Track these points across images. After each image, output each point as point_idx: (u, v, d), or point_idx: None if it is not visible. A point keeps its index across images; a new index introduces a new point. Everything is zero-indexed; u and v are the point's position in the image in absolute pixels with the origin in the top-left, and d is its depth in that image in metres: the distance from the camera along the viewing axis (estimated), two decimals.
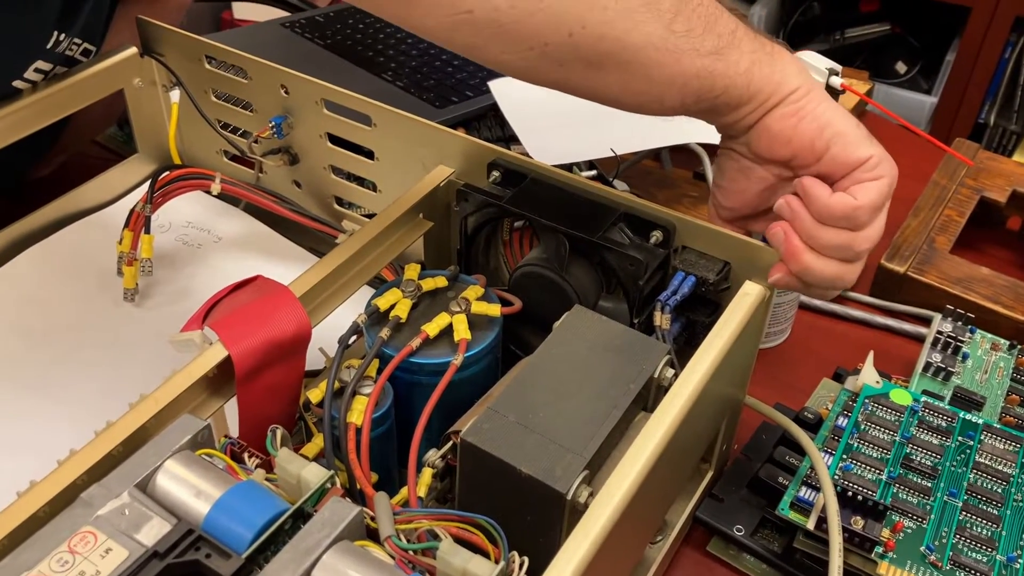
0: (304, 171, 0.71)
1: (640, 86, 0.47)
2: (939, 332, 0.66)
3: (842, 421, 0.56)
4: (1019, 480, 0.54)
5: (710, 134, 0.51)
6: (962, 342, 0.65)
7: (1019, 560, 0.50)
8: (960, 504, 0.53)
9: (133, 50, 0.71)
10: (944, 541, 0.51)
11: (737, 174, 0.52)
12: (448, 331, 0.49)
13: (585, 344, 0.47)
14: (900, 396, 0.58)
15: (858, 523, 0.49)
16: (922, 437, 0.57)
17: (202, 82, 0.72)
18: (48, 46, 0.65)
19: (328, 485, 0.39)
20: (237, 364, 0.44)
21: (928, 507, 0.52)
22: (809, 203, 0.48)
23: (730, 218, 0.54)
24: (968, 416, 0.58)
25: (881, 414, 0.57)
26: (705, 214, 0.55)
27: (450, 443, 0.44)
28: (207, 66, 0.70)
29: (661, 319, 0.50)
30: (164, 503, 0.37)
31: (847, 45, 1.85)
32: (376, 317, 0.50)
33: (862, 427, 0.56)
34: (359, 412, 0.45)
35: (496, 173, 0.56)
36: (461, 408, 0.47)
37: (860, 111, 0.95)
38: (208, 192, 0.65)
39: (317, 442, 0.46)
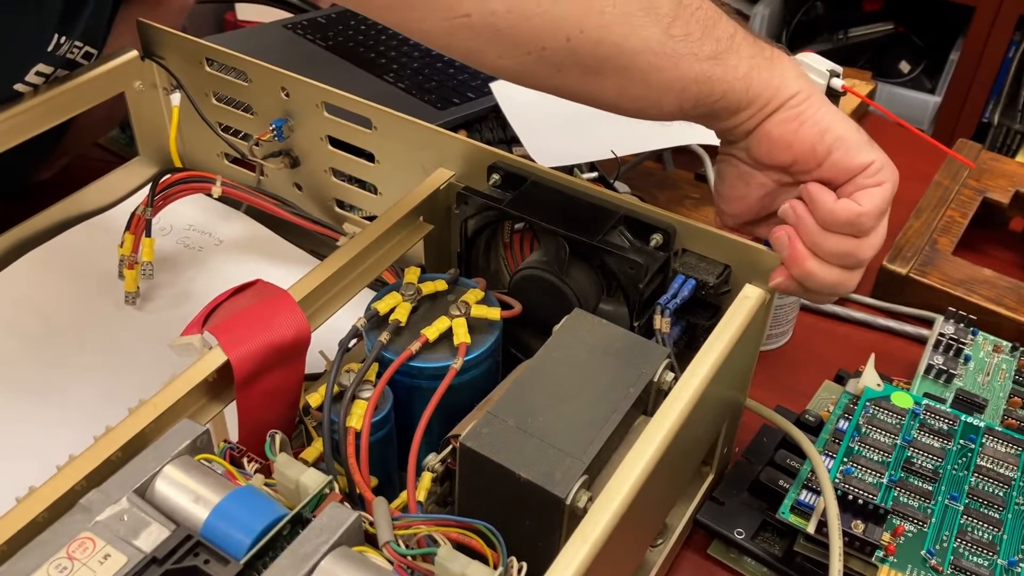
0: (305, 174, 0.71)
1: (638, 91, 0.47)
2: (941, 334, 0.66)
3: (843, 424, 0.56)
4: (1021, 483, 0.54)
5: (711, 135, 0.51)
6: (964, 344, 0.65)
7: (1020, 564, 0.50)
8: (961, 508, 0.53)
9: (134, 53, 0.71)
10: (945, 545, 0.51)
11: (737, 180, 0.51)
12: (448, 335, 0.49)
13: (585, 347, 0.47)
14: (901, 399, 0.58)
15: (859, 527, 0.49)
16: (923, 440, 0.56)
17: (203, 85, 0.72)
18: (49, 49, 0.65)
19: (327, 490, 0.39)
20: (236, 369, 0.44)
21: (929, 511, 0.52)
22: (814, 208, 0.48)
23: (734, 225, 0.54)
24: (970, 419, 0.58)
25: (882, 417, 0.57)
26: (707, 216, 0.55)
27: (449, 447, 0.44)
28: (208, 69, 0.70)
29: (661, 322, 0.50)
30: (163, 508, 0.37)
31: (850, 45, 1.84)
32: (376, 321, 0.50)
33: (863, 430, 0.56)
34: (358, 416, 0.45)
35: (496, 176, 0.56)
36: (461, 412, 0.47)
37: (862, 113, 0.95)
38: (209, 195, 0.66)
39: (317, 446, 0.46)
